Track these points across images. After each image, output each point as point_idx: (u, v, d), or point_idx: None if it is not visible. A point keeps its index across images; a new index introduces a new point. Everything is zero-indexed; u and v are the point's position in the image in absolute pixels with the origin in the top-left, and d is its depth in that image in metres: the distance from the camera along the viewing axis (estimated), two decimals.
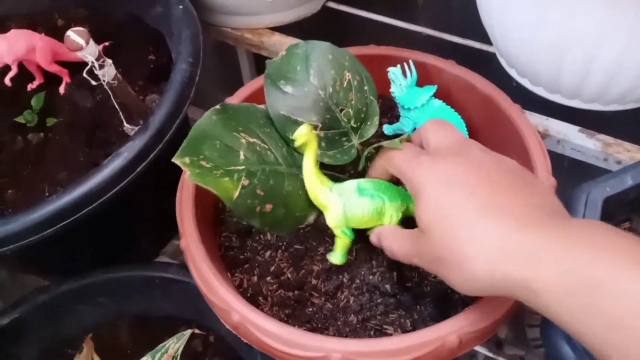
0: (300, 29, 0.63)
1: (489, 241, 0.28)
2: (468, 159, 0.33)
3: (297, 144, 0.37)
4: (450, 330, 0.35)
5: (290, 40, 0.60)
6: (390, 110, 0.54)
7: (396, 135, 0.50)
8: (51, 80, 0.58)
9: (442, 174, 0.32)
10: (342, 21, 0.65)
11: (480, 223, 0.29)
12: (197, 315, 0.58)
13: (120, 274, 0.58)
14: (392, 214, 0.38)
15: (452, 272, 0.31)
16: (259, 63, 0.77)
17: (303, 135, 0.37)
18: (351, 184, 0.39)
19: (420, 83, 0.50)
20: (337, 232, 0.39)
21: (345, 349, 0.35)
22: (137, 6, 0.62)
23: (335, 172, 0.44)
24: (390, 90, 0.47)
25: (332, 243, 0.45)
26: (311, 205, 0.41)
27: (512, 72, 0.53)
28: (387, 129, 0.49)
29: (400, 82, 0.47)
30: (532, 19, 0.44)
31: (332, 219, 0.38)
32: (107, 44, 0.60)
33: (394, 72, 0.47)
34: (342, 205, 0.38)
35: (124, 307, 0.60)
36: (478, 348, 0.77)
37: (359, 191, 0.38)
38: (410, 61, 0.47)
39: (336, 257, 0.40)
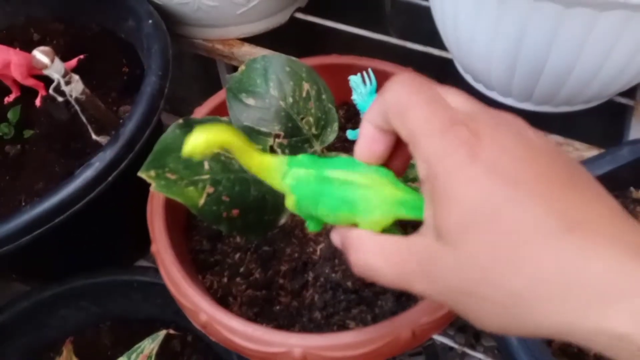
0: (270, 39, 0.65)
1: (581, 274, 0.19)
2: (526, 143, 0.22)
3: (195, 154, 0.25)
4: (403, 323, 0.37)
5: (260, 51, 0.63)
6: (354, 117, 0.56)
7: (348, 141, 0.53)
8: (27, 93, 0.60)
9: (493, 161, 0.21)
10: (311, 31, 0.68)
11: (564, 243, 0.19)
12: (176, 316, 0.60)
13: (101, 279, 0.59)
14: (376, 216, 0.26)
15: (498, 312, 0.20)
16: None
17: (200, 144, 0.25)
18: (311, 170, 0.28)
19: (378, 90, 0.53)
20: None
21: (305, 344, 0.37)
22: (110, 20, 0.64)
23: None
24: (352, 97, 0.49)
25: (299, 244, 0.47)
26: (279, 208, 0.43)
27: (468, 78, 0.56)
28: (350, 134, 0.52)
29: (361, 90, 0.49)
30: (484, 30, 0.47)
31: (290, 208, 0.30)
32: (82, 57, 0.62)
33: (354, 80, 0.49)
34: (295, 198, 0.29)
35: (105, 310, 0.62)
36: (455, 340, 0.80)
37: (320, 181, 0.28)
38: (370, 69, 0.49)
39: (310, 224, 0.32)
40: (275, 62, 0.46)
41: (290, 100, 0.45)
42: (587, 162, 0.43)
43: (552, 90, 0.49)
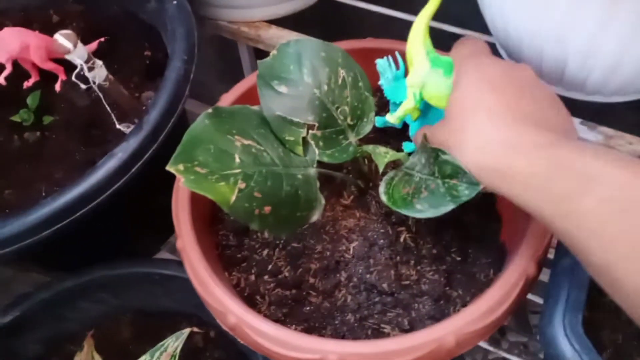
0: (298, 22, 0.62)
1: (489, 134, 0.32)
2: (504, 69, 0.36)
3: None
4: (447, 331, 0.34)
5: (287, 34, 0.60)
6: (388, 104, 0.53)
7: (384, 130, 0.50)
8: (47, 78, 0.58)
9: (479, 76, 0.35)
10: (340, 13, 0.64)
11: (489, 123, 0.33)
12: (197, 310, 0.58)
13: (121, 271, 0.58)
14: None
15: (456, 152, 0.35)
16: (260, 55, 0.76)
17: None
18: (446, 62, 0.39)
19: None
20: (409, 91, 0.40)
21: (341, 351, 0.35)
22: (132, 1, 0.61)
23: (332, 170, 0.43)
24: (379, 82, 0.46)
25: (330, 241, 0.45)
26: (311, 204, 0.40)
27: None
28: (378, 121, 0.47)
29: (388, 75, 0.45)
30: (534, 10, 0.43)
31: (412, 78, 0.40)
32: (102, 39, 0.60)
33: (381, 64, 0.46)
34: (425, 72, 0.39)
35: (125, 303, 0.61)
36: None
37: (447, 71, 0.38)
38: (397, 53, 0.45)
39: (393, 116, 0.43)
40: (309, 46, 0.43)
41: (325, 88, 0.42)
42: None
43: (605, 77, 0.45)
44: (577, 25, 0.41)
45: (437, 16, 0.62)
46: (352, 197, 0.46)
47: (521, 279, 0.36)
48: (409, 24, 0.62)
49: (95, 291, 0.59)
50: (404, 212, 0.38)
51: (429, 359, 0.34)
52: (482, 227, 0.45)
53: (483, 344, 0.70)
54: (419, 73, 0.39)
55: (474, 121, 0.33)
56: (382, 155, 0.39)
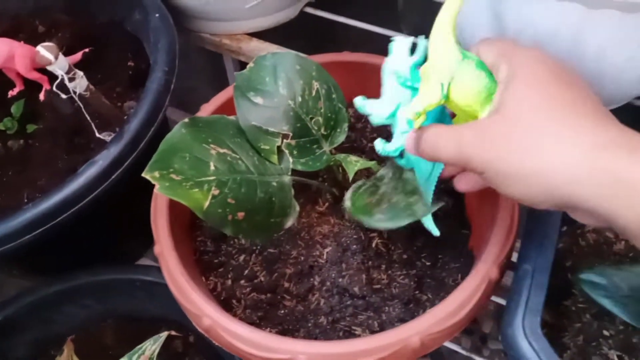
0: (279, 35, 0.64)
1: (580, 136, 0.27)
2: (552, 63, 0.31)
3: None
4: (412, 332, 0.36)
5: (268, 46, 0.61)
6: (365, 116, 0.55)
7: (357, 140, 0.51)
8: (31, 87, 0.59)
9: (543, 66, 0.30)
10: (321, 26, 0.66)
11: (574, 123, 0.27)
12: (178, 316, 0.58)
13: (103, 277, 0.59)
14: (489, 103, 0.32)
15: (526, 161, 0.28)
16: (244, 67, 0.78)
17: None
18: (474, 56, 0.33)
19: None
20: (433, 81, 0.33)
21: (310, 351, 0.36)
22: (117, 13, 0.63)
23: (308, 178, 0.45)
24: (386, 65, 0.38)
25: (305, 247, 0.46)
26: (286, 211, 0.42)
27: None
28: (380, 149, 0.39)
29: (401, 59, 0.37)
30: (497, 25, 0.45)
31: (438, 66, 0.33)
32: (87, 50, 0.61)
33: (397, 44, 0.37)
34: (456, 61, 0.33)
35: (108, 308, 0.61)
36: (460, 343, 0.79)
37: (478, 64, 0.33)
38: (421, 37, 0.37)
39: (409, 110, 0.34)
40: (285, 59, 0.44)
41: (300, 99, 0.44)
42: None
43: None
44: (550, 38, 0.43)
45: (396, 26, 0.64)
46: (327, 204, 0.48)
47: (484, 282, 0.38)
48: (387, 39, 0.64)
49: (79, 296, 0.60)
50: (362, 219, 0.40)
51: (395, 358, 0.36)
52: (452, 233, 0.47)
53: (464, 352, 0.71)
54: (446, 63, 0.33)
55: (549, 121, 0.28)
56: (353, 163, 0.41)
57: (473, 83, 0.32)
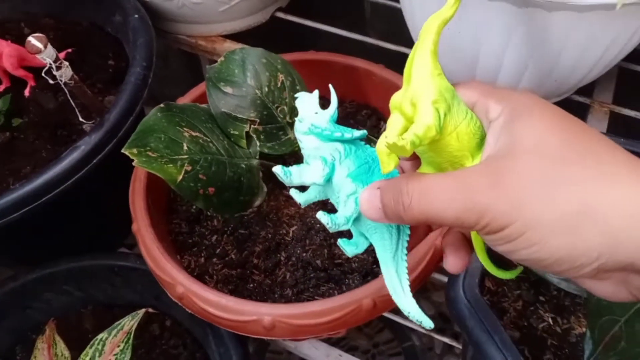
0: (251, 37, 0.68)
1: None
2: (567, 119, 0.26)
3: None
4: (365, 294, 0.40)
5: (241, 47, 0.65)
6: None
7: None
8: (17, 83, 0.62)
9: (545, 103, 0.25)
10: (291, 30, 0.71)
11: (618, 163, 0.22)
12: (156, 302, 0.62)
13: (83, 263, 0.62)
14: (481, 148, 0.26)
15: (573, 199, 0.22)
16: None
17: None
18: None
19: (350, 85, 0.56)
20: (427, 107, 0.25)
21: (274, 312, 0.40)
22: (99, 16, 0.67)
23: (276, 163, 0.49)
24: (298, 125, 0.30)
25: (273, 227, 0.50)
26: (254, 191, 0.46)
27: None
28: (329, 223, 0.28)
29: (311, 114, 0.30)
30: (447, 29, 0.50)
31: (429, 91, 0.26)
32: (70, 50, 0.65)
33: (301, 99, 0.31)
34: (446, 89, 0.26)
35: (88, 294, 0.64)
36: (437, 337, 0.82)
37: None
38: (330, 86, 0.33)
39: (409, 135, 0.25)
40: (252, 53, 0.49)
41: (266, 89, 0.48)
42: None
43: (511, 86, 0.52)
44: (483, 43, 0.48)
45: (363, 30, 0.69)
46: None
47: (430, 249, 0.42)
48: (354, 43, 0.69)
49: (60, 283, 0.62)
50: None
51: (350, 317, 0.40)
52: None
53: (444, 339, 0.74)
54: (437, 91, 0.25)
55: (582, 154, 0.23)
56: None
57: (468, 122, 0.26)
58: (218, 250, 0.49)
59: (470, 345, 0.39)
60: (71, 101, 0.50)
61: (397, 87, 0.54)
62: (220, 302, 0.41)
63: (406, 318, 0.30)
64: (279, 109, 0.48)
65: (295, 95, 0.31)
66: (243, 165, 0.45)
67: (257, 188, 0.45)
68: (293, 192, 0.31)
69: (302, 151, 0.30)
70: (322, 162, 0.28)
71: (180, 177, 0.40)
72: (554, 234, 0.22)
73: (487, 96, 0.26)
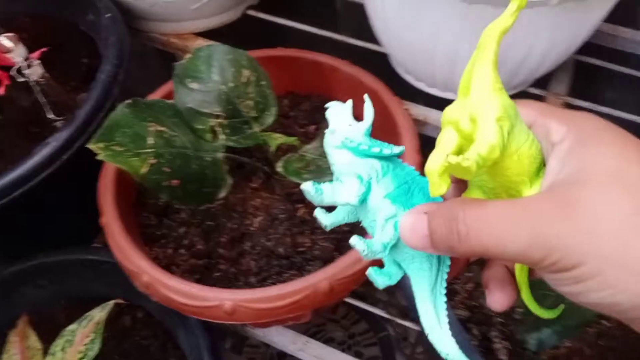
0: (223, 35, 0.69)
1: None
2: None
3: None
4: (322, 278, 0.42)
5: (208, 45, 0.67)
6: (299, 104, 0.61)
7: (290, 119, 0.57)
8: None
9: (611, 126, 0.23)
10: (263, 28, 0.72)
11: None
12: (128, 295, 0.63)
13: (57, 258, 0.63)
14: (540, 174, 0.24)
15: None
16: None
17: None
18: None
19: (317, 80, 0.58)
20: (491, 125, 0.22)
21: (234, 297, 0.42)
22: (73, 14, 0.68)
23: (242, 157, 0.51)
24: (328, 138, 0.27)
25: (239, 218, 0.52)
26: (218, 183, 0.48)
27: (400, 71, 0.61)
28: (365, 250, 0.25)
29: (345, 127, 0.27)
30: (407, 27, 0.52)
31: (492, 108, 0.23)
32: (45, 49, 0.66)
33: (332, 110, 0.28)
34: (510, 106, 0.23)
35: (62, 288, 0.65)
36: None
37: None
38: (366, 97, 0.29)
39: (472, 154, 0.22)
40: (218, 50, 0.50)
41: (231, 84, 0.50)
42: None
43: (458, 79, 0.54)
44: (440, 41, 0.50)
45: (334, 28, 0.71)
46: (260, 181, 0.54)
47: None
48: (324, 39, 0.71)
49: (34, 277, 0.64)
50: (294, 178, 0.46)
51: (308, 300, 0.42)
52: None
53: (418, 328, 0.75)
54: (500, 106, 0.23)
55: None
56: (275, 138, 0.47)
57: (530, 144, 0.24)
58: (185, 242, 0.51)
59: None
60: (42, 99, 0.51)
61: (361, 83, 0.57)
62: (183, 289, 0.43)
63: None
64: (244, 103, 0.50)
65: (326, 105, 0.28)
66: (208, 158, 0.47)
67: (221, 180, 0.47)
68: (318, 213, 0.27)
69: (332, 167, 0.27)
70: (358, 180, 0.25)
71: (144, 170, 0.42)
72: (633, 279, 0.19)
73: (548, 116, 0.24)
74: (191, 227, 0.52)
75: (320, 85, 0.60)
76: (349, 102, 0.28)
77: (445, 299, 0.26)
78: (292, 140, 0.48)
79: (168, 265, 0.50)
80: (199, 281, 0.49)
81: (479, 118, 0.23)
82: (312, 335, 0.65)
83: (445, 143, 0.24)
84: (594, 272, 0.19)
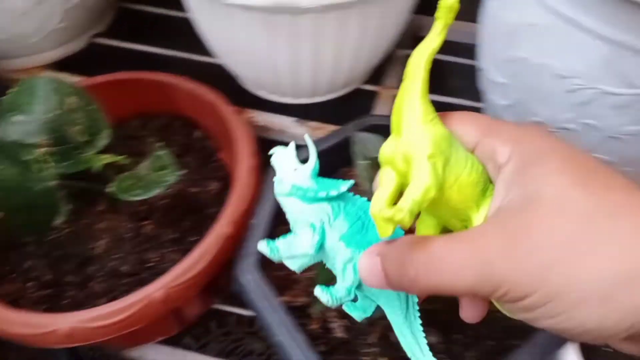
0: (70, 65, 0.70)
1: None
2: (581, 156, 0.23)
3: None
4: (155, 288, 0.43)
5: (60, 76, 0.67)
6: (145, 125, 0.62)
7: (128, 140, 0.58)
8: None
9: (559, 143, 0.23)
10: (112, 54, 0.73)
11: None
12: None
13: None
14: (486, 198, 0.24)
15: (614, 263, 0.19)
16: None
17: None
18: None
19: (161, 99, 0.59)
20: (423, 164, 0.22)
21: (68, 321, 0.42)
22: None
23: (80, 182, 0.51)
24: (277, 188, 0.27)
25: (84, 243, 0.52)
26: (52, 211, 0.48)
27: (243, 81, 0.63)
28: (330, 300, 0.25)
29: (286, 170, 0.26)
30: (227, 40, 0.54)
31: (426, 144, 0.23)
32: None
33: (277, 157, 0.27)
34: (444, 136, 0.23)
35: None
36: None
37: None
38: (306, 136, 0.28)
39: (405, 202, 0.22)
40: (42, 81, 0.51)
41: (58, 112, 0.50)
42: (320, 140, 0.51)
43: (294, 84, 0.57)
44: (256, 47, 0.53)
45: (185, 47, 0.72)
46: (105, 203, 0.54)
47: (219, 238, 0.46)
48: (184, 62, 0.72)
49: None
50: (124, 196, 0.47)
51: (144, 313, 0.43)
52: (216, 208, 0.54)
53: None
54: (430, 139, 0.23)
55: (610, 209, 0.20)
56: (101, 160, 0.48)
57: (469, 171, 0.24)
58: (35, 274, 0.51)
59: (256, 312, 0.43)
60: None
61: (200, 97, 0.59)
62: (17, 320, 0.42)
63: None
64: (73, 129, 0.50)
65: (270, 152, 0.27)
66: (37, 188, 0.47)
67: (54, 207, 0.47)
68: (286, 262, 0.26)
69: (287, 216, 0.27)
70: (311, 230, 0.25)
71: None
72: (582, 304, 0.19)
73: (491, 135, 0.23)
74: (39, 258, 0.52)
75: (166, 103, 0.61)
76: (292, 145, 0.27)
77: (420, 321, 0.27)
78: (119, 158, 0.50)
79: (16, 300, 0.49)
80: (48, 310, 0.49)
81: (411, 157, 0.22)
82: (231, 351, 0.63)
83: (384, 185, 0.24)
84: (543, 300, 0.20)
